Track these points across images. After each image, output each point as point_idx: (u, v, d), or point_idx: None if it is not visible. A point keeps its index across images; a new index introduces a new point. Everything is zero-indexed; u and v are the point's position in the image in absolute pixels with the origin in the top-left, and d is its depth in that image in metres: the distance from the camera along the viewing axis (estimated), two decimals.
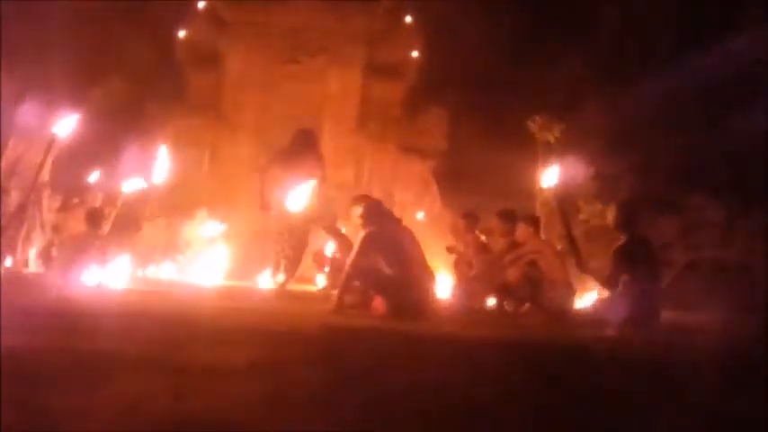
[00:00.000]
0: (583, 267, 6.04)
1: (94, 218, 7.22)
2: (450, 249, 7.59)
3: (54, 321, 4.46)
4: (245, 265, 9.92)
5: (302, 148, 7.89)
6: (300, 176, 7.50)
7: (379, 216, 6.25)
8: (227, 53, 12.56)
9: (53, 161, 8.05)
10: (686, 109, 10.65)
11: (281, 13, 12.30)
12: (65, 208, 7.70)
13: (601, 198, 9.34)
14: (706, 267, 9.00)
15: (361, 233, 6.14)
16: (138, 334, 4.33)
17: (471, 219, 8.21)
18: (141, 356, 3.86)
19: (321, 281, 8.60)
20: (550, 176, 6.25)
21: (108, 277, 7.13)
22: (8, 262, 7.72)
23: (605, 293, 5.98)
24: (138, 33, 11.96)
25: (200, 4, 12.80)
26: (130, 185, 7.84)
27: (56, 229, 8.13)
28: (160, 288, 7.74)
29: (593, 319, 5.96)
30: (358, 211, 6.20)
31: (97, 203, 8.07)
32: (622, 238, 5.74)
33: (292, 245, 7.74)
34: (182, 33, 12.68)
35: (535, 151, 10.28)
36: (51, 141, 6.71)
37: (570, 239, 6.08)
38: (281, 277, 7.62)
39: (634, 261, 5.56)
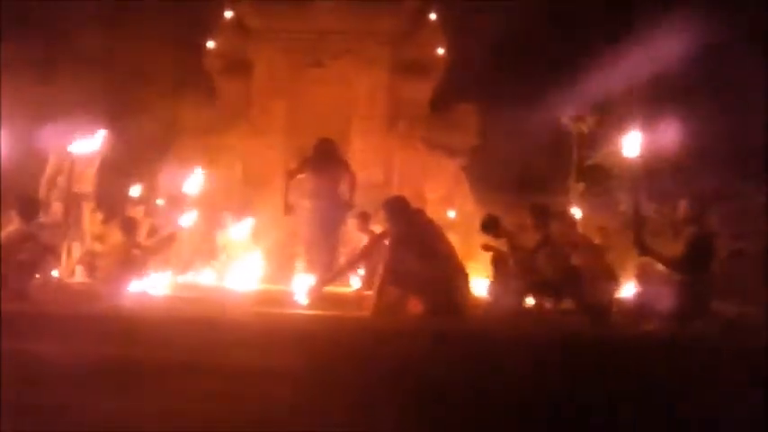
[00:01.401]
0: (642, 250, 5.98)
1: (128, 226, 7.32)
2: (485, 247, 7.51)
3: (102, 329, 4.54)
4: (279, 268, 10.00)
5: (326, 155, 7.97)
6: (330, 181, 7.63)
7: (408, 216, 6.24)
8: (255, 60, 12.66)
9: (97, 174, 8.20)
10: (728, 93, 10.45)
11: (306, 17, 12.36)
12: (108, 219, 7.83)
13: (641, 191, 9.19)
14: (753, 256, 8.81)
15: (392, 234, 6.15)
16: (180, 340, 4.39)
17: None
18: (185, 362, 3.92)
19: (355, 282, 8.63)
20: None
21: (149, 285, 7.24)
22: (55, 273, 7.85)
23: (645, 285, 5.91)
24: (167, 45, 12.10)
25: (227, 14, 12.92)
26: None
27: (99, 239, 8.25)
28: (199, 294, 7.83)
29: (637, 312, 5.89)
30: (386, 212, 6.21)
31: (139, 215, 8.18)
32: (692, 230, 5.72)
33: (324, 246, 7.80)
34: (210, 43, 12.82)
35: (569, 144, 10.19)
36: (72, 156, 6.87)
37: (638, 219, 6.02)
38: (312, 280, 7.67)
39: (704, 254, 5.58)
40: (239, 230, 9.99)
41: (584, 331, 5.58)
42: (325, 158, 7.96)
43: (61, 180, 8.21)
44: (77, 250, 8.37)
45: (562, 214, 7.21)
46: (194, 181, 7.87)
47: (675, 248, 5.81)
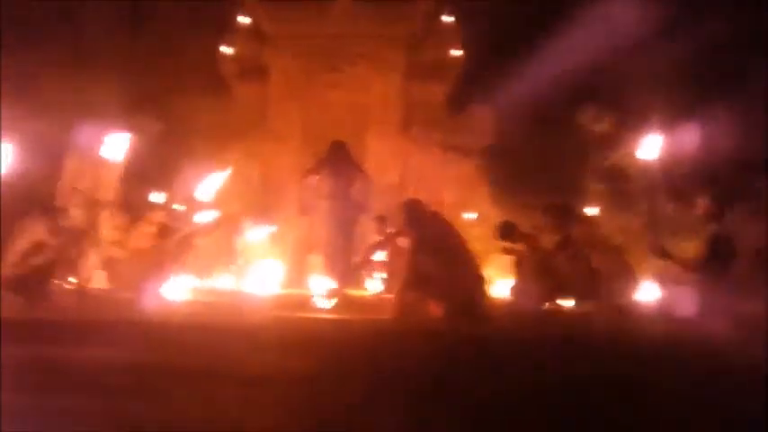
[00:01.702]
0: (659, 253, 5.94)
1: (165, 234, 7.38)
2: (506, 250, 7.47)
3: (124, 334, 4.57)
4: (297, 272, 10.04)
5: (340, 157, 8.00)
6: (344, 183, 7.67)
7: (425, 219, 6.24)
8: (271, 65, 12.70)
9: (120, 180, 8.26)
10: (748, 88, 10.34)
11: (321, 23, 12.39)
12: (129, 226, 7.87)
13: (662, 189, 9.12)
14: None
15: (410, 238, 6.15)
16: (200, 345, 4.41)
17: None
18: (206, 367, 3.93)
19: (373, 286, 8.64)
20: (651, 148, 6.07)
21: (172, 290, 7.29)
22: (72, 279, 7.91)
23: (670, 286, 5.88)
24: (184, 50, 12.17)
25: (243, 19, 12.98)
26: (203, 216, 7.98)
27: (120, 245, 8.27)
28: (218, 299, 7.86)
29: (660, 311, 5.85)
30: (403, 216, 6.22)
31: (161, 221, 8.22)
32: (713, 227, 5.68)
33: (339, 247, 7.82)
34: (226, 48, 12.88)
35: (586, 144, 10.13)
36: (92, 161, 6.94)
37: (653, 223, 5.98)
38: (331, 284, 7.69)
39: (725, 252, 5.52)
40: (257, 235, 10.03)
41: (605, 332, 5.54)
42: (338, 161, 8.00)
43: (81, 185, 8.26)
44: (94, 256, 8.41)
45: (582, 215, 7.15)
46: (211, 186, 7.91)
47: (695, 248, 5.77)
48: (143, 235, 7.59)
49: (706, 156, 9.42)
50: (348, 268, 7.27)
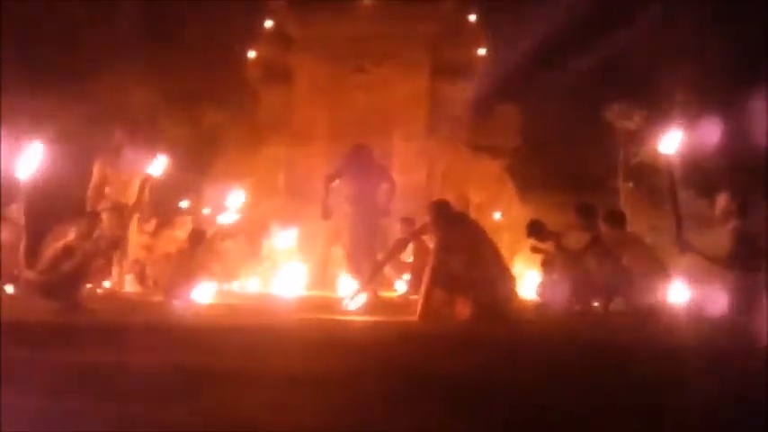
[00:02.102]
0: (684, 247, 5.85)
1: (197, 238, 7.43)
2: (534, 249, 7.40)
3: (161, 338, 4.59)
4: (322, 274, 10.06)
5: (362, 161, 7.99)
6: (366, 187, 7.67)
7: (451, 219, 6.20)
8: (296, 68, 12.74)
9: (149, 184, 8.32)
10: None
11: (346, 24, 12.39)
12: (157, 231, 7.95)
13: (691, 184, 8.99)
14: None
15: (436, 238, 6.11)
16: (229, 348, 4.43)
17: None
18: (236, 370, 3.94)
19: (401, 287, 8.62)
20: (670, 144, 5.98)
21: (200, 293, 7.34)
22: (106, 283, 8.00)
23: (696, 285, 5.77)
24: (210, 56, 12.28)
25: (268, 23, 13.05)
26: (225, 218, 8.04)
27: (148, 249, 8.36)
28: (246, 302, 7.90)
29: (691, 312, 5.75)
30: (430, 217, 6.19)
31: (188, 226, 8.29)
32: (735, 224, 5.58)
33: (362, 251, 7.82)
34: (251, 53, 12.96)
35: (615, 142, 10.02)
36: (146, 180, 7.04)
37: (677, 216, 5.88)
38: (357, 286, 7.69)
39: (751, 249, 5.42)
40: (283, 238, 10.06)
41: (636, 333, 5.45)
42: (361, 164, 7.97)
43: (109, 190, 8.35)
44: (124, 260, 8.49)
45: (611, 213, 7.05)
46: (235, 193, 7.95)
47: (721, 243, 5.67)
48: (171, 239, 7.65)
49: (734, 151, 9.29)
50: (371, 271, 7.26)
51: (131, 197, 8.21)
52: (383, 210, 7.98)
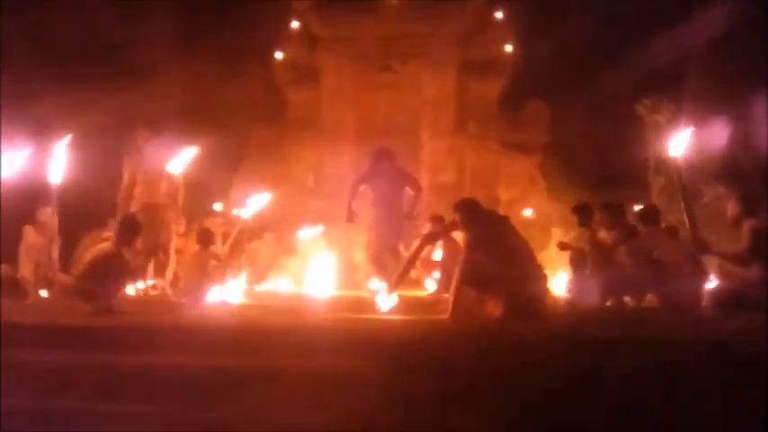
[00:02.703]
0: (701, 248, 5.77)
1: (205, 238, 7.49)
2: (562, 246, 7.35)
3: (193, 339, 4.63)
4: (354, 274, 10.07)
5: (385, 164, 8.01)
6: (389, 191, 7.69)
7: (479, 217, 6.16)
8: (323, 69, 12.79)
9: (179, 187, 8.43)
10: None
11: (372, 24, 12.41)
12: (187, 232, 8.03)
13: (722, 180, 8.85)
14: None
15: (466, 237, 6.08)
16: (261, 348, 4.45)
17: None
18: (268, 369, 3.96)
19: (431, 285, 8.61)
20: (675, 148, 5.91)
21: (227, 294, 7.39)
22: (140, 284, 8.09)
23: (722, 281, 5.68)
24: (237, 57, 12.37)
25: (294, 24, 13.11)
26: (248, 210, 8.10)
27: (179, 252, 8.43)
28: (276, 302, 7.94)
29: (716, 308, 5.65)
30: (458, 215, 6.16)
31: (218, 227, 8.35)
32: (751, 223, 5.48)
33: (385, 255, 7.85)
34: (278, 54, 13.03)
35: (645, 136, 9.90)
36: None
37: (690, 219, 5.79)
38: (380, 285, 7.71)
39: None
40: (313, 238, 10.10)
41: (670, 329, 5.36)
42: (384, 167, 8.00)
43: (138, 191, 8.43)
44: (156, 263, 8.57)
45: (645, 209, 6.96)
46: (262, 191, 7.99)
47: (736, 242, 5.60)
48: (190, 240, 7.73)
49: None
50: (401, 270, 7.27)
51: (160, 198, 8.30)
52: (408, 213, 8.01)
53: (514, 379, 3.68)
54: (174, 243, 8.50)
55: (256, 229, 9.11)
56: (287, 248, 9.90)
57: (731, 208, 5.79)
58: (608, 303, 6.69)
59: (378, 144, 8.79)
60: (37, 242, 8.08)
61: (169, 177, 8.36)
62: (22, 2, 11.69)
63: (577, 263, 7.45)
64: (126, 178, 8.58)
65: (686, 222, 5.82)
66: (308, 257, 9.87)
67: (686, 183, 6.15)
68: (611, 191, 9.11)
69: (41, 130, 9.12)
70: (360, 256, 9.41)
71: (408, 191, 8.01)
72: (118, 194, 8.57)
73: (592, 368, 3.65)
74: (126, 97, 10.71)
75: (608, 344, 4.34)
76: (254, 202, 8.30)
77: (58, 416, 3.37)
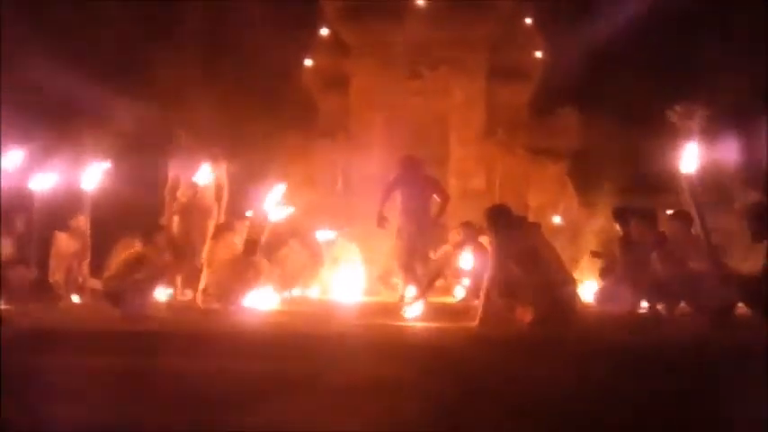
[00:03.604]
0: (717, 265, 5.67)
1: (251, 249, 7.54)
2: (594, 254, 7.26)
3: (223, 345, 4.67)
4: (382, 280, 10.06)
5: (410, 172, 8.07)
6: (415, 198, 7.79)
7: (510, 224, 6.14)
8: (352, 75, 12.82)
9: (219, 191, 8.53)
10: None
11: (401, 30, 12.40)
12: (216, 235, 8.08)
13: (755, 186, 8.68)
14: None
15: (495, 243, 6.06)
16: (291, 353, 4.46)
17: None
18: (298, 375, 3.97)
19: (460, 292, 8.58)
20: (688, 162, 5.83)
21: (259, 300, 7.43)
22: (169, 290, 8.14)
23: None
24: (267, 63, 12.46)
25: (323, 31, 13.18)
26: (277, 213, 8.14)
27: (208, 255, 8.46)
28: (306, 308, 7.97)
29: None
30: (488, 222, 6.15)
31: (244, 232, 8.38)
32: None
33: (411, 261, 7.87)
34: (308, 61, 13.10)
35: (677, 142, 9.74)
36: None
37: (705, 232, 5.68)
38: (409, 291, 7.72)
39: None
40: (344, 244, 10.11)
41: (705, 336, 5.27)
42: (409, 175, 8.06)
43: (180, 194, 8.50)
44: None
45: (677, 213, 6.86)
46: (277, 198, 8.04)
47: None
48: (230, 245, 7.76)
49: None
50: (429, 278, 7.29)
51: (198, 200, 8.37)
52: (435, 220, 8.04)
53: (545, 386, 3.64)
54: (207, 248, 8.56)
55: (284, 235, 9.14)
56: (315, 254, 9.91)
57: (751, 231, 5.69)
58: (640, 310, 6.62)
59: (406, 151, 8.83)
60: (69, 248, 8.19)
61: (214, 179, 8.47)
62: (52, 12, 11.91)
63: (607, 270, 7.37)
64: (170, 179, 8.67)
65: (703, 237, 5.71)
66: (338, 263, 9.89)
67: (713, 190, 6.07)
68: (643, 197, 8.99)
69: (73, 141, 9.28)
70: (389, 262, 9.40)
71: (435, 198, 8.04)
72: (162, 195, 8.66)
73: (624, 374, 3.60)
74: (157, 104, 10.85)
75: (641, 349, 4.28)
76: (282, 208, 8.35)
77: (87, 421, 3.40)
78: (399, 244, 8.12)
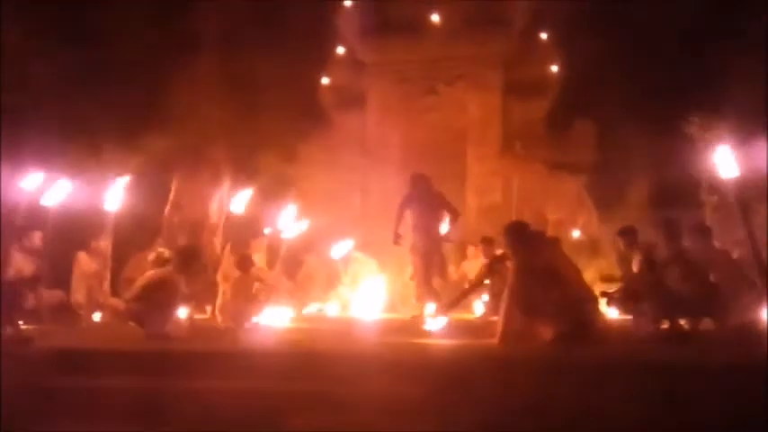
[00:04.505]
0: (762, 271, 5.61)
1: (244, 263, 7.58)
2: (605, 278, 7.12)
3: (237, 364, 4.67)
4: (400, 297, 10.04)
5: (419, 190, 8.14)
6: (424, 215, 7.97)
7: (529, 240, 6.11)
8: (369, 92, 12.88)
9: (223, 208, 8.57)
10: None
11: (417, 47, 12.48)
12: (233, 254, 8.12)
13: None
14: None
15: (515, 260, 6.03)
16: (306, 371, 4.46)
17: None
18: (314, 393, 3.96)
19: (479, 308, 8.56)
20: (729, 170, 5.78)
21: (274, 318, 7.45)
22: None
23: None
24: (283, 83, 12.54)
25: (340, 49, 13.27)
26: (292, 231, 8.18)
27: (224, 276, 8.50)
28: (325, 325, 7.97)
29: None
30: (506, 239, 6.13)
31: (262, 250, 8.41)
32: None
33: (423, 278, 7.91)
34: (324, 79, 13.19)
35: (696, 155, 9.68)
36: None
37: (752, 239, 5.63)
38: (428, 307, 7.72)
39: None
40: (361, 260, 10.12)
41: (729, 353, 5.20)
42: (418, 193, 8.14)
43: (185, 208, 8.54)
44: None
45: (696, 227, 6.80)
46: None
47: None
48: (232, 264, 7.83)
49: None
50: (449, 298, 7.31)
51: (204, 214, 8.42)
52: (445, 236, 8.10)
53: (566, 404, 3.62)
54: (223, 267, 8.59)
55: (302, 251, 9.18)
56: (333, 271, 9.93)
57: None
58: (662, 326, 6.54)
59: (423, 167, 8.87)
60: (90, 267, 8.26)
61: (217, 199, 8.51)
62: (78, 29, 12.08)
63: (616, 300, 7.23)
64: (173, 195, 8.72)
65: (749, 246, 5.65)
66: (357, 280, 9.89)
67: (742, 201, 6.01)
68: (662, 210, 8.93)
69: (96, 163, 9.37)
70: (406, 279, 9.40)
71: (444, 215, 8.12)
72: (165, 212, 8.71)
73: (649, 393, 3.57)
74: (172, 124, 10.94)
75: (667, 368, 4.22)
76: (298, 225, 8.40)
77: None
78: (414, 260, 8.19)
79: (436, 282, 8.04)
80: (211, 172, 8.58)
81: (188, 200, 8.56)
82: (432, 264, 8.01)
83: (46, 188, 7.16)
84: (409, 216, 8.25)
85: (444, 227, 8.23)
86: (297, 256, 9.11)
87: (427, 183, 8.30)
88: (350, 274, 9.90)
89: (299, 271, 9.16)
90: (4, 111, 9.91)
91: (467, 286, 7.96)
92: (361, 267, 9.97)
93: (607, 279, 7.02)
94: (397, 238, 8.13)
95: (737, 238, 6.40)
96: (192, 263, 6.63)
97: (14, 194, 6.87)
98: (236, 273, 7.65)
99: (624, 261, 7.20)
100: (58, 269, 7.75)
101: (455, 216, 8.17)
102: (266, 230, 8.74)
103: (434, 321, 6.61)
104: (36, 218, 7.41)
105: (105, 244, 7.95)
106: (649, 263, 6.67)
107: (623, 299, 6.53)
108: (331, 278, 9.90)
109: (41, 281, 7.22)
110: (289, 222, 8.41)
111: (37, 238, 7.70)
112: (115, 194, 7.66)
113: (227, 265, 8.19)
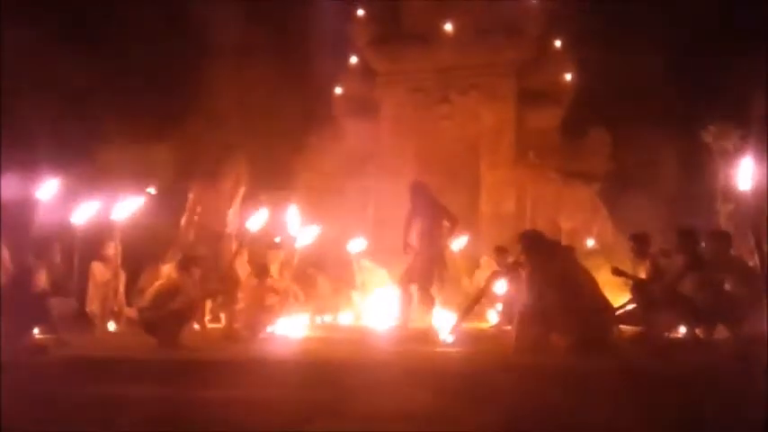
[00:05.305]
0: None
1: (260, 271, 7.60)
2: (616, 271, 7.04)
3: (247, 372, 4.68)
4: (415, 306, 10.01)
5: (419, 198, 8.15)
6: (424, 223, 7.95)
7: (544, 249, 6.09)
8: (382, 102, 12.90)
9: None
10: None
11: (430, 56, 12.50)
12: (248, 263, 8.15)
13: None
14: None
15: (529, 269, 6.01)
16: (322, 380, 4.45)
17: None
18: (329, 402, 3.96)
19: (493, 317, 8.53)
20: (744, 180, 5.73)
21: (288, 327, 7.45)
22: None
23: None
24: (296, 92, 12.61)
25: (353, 59, 13.32)
26: (304, 239, 8.18)
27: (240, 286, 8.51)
28: (338, 334, 7.96)
29: None
30: (521, 248, 6.11)
31: (278, 261, 8.42)
32: None
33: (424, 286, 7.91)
34: (338, 89, 13.24)
35: (712, 163, 9.64)
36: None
37: (760, 251, 5.57)
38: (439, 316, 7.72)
39: None
40: (373, 269, 10.11)
41: (744, 361, 5.15)
42: (420, 201, 8.14)
43: (201, 215, 8.55)
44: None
45: (713, 233, 6.74)
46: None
47: None
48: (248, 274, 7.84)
49: None
50: (467, 304, 7.28)
51: (221, 224, 8.43)
52: (446, 244, 8.17)
53: (581, 413, 3.60)
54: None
55: (313, 260, 9.18)
56: (346, 280, 9.92)
57: None
58: (677, 334, 6.49)
59: (436, 174, 8.87)
60: (104, 277, 8.29)
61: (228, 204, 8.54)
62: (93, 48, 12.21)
63: (639, 293, 7.19)
64: (190, 201, 8.74)
65: (756, 260, 5.59)
66: (369, 289, 9.88)
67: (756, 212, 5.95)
68: (678, 219, 8.88)
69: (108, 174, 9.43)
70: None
71: (445, 223, 8.11)
72: (181, 222, 8.73)
73: (664, 403, 3.54)
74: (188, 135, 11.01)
75: (682, 376, 4.19)
76: (309, 233, 8.41)
77: None
78: (422, 269, 8.18)
79: (434, 288, 8.03)
80: (228, 182, 8.58)
81: (204, 210, 8.56)
82: (433, 270, 8.00)
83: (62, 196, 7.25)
84: (416, 226, 8.27)
85: (445, 233, 8.21)
86: (308, 266, 9.12)
87: (425, 190, 8.32)
88: (359, 282, 9.90)
89: (311, 281, 9.14)
90: (22, 120, 10.01)
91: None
92: (371, 276, 9.96)
93: (617, 273, 6.95)
94: (406, 248, 8.15)
95: (752, 247, 6.33)
96: (191, 271, 6.66)
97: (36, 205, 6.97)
98: (252, 282, 7.67)
99: (637, 267, 7.16)
100: (75, 279, 7.78)
101: (454, 222, 8.16)
102: (277, 239, 8.76)
103: (451, 333, 6.60)
104: (55, 230, 7.49)
105: (114, 252, 7.97)
106: (657, 270, 6.62)
107: (634, 311, 6.52)
108: (343, 285, 9.90)
109: (59, 292, 7.26)
110: (300, 230, 8.42)
111: (111, 248, 7.82)
112: (125, 204, 7.69)
113: (243, 274, 8.22)
